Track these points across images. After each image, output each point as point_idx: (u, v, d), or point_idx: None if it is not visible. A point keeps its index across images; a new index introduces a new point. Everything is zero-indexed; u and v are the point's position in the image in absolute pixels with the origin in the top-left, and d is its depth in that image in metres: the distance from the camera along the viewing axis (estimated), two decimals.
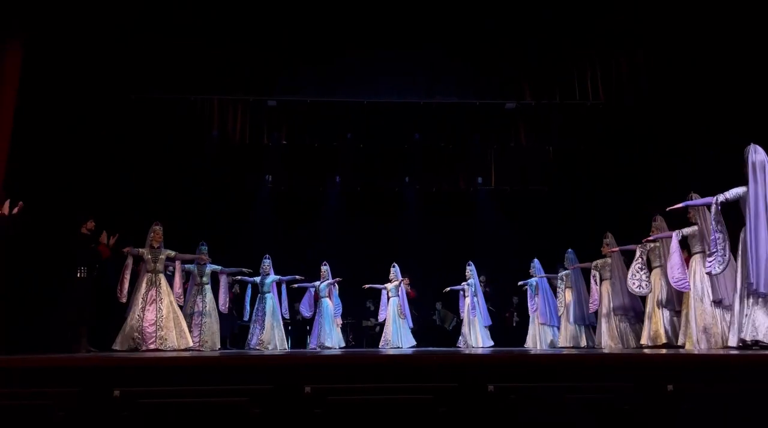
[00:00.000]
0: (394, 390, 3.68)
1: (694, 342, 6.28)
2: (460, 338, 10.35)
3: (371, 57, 7.73)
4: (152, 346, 7.23)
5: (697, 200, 5.97)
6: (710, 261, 5.69)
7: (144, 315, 7.42)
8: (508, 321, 11.18)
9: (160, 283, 7.63)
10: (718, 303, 6.20)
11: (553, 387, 3.72)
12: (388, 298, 10.42)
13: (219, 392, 3.61)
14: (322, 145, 10.79)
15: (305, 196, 12.25)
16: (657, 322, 7.40)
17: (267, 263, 9.63)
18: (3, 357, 4.76)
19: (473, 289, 10.26)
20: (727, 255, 5.59)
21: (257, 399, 3.55)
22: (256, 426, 3.49)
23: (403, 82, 7.87)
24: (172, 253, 7.91)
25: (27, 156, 7.42)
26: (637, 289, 7.50)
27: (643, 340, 7.54)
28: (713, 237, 5.61)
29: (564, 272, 9.49)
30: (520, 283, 10.50)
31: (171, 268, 8.24)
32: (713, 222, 5.61)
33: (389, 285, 10.44)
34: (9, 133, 6.67)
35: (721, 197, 5.60)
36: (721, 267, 5.62)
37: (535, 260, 10.40)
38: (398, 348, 9.85)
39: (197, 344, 8.19)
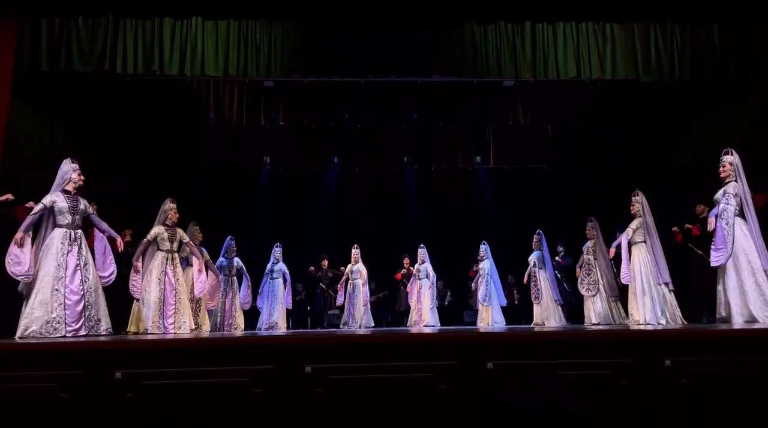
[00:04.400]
0: (395, 368, 3.72)
1: (649, 318, 6.82)
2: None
3: (368, 36, 7.64)
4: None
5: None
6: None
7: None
8: (508, 300, 11.22)
9: None
10: (665, 285, 6.88)
11: (552, 363, 3.75)
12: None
13: (220, 373, 3.64)
14: (319, 126, 10.73)
15: (303, 176, 12.24)
16: (603, 304, 8.42)
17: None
18: (7, 341, 4.79)
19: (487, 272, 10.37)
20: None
21: (258, 379, 3.58)
22: (257, 406, 3.53)
23: (400, 60, 7.78)
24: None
25: (23, 140, 7.41)
26: (586, 293, 8.55)
27: (594, 319, 8.37)
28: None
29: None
30: (475, 268, 10.78)
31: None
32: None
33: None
34: (5, 116, 6.63)
35: (730, 201, 6.18)
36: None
37: (484, 243, 10.49)
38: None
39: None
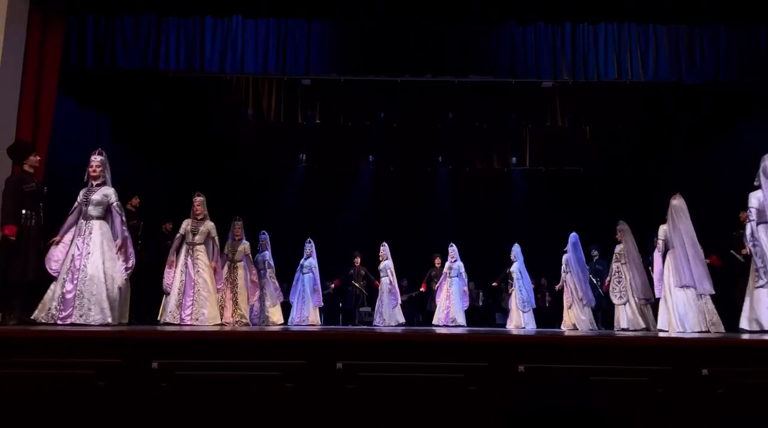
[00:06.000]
0: (425, 368, 3.71)
1: (675, 327, 6.72)
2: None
3: (405, 35, 7.64)
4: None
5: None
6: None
7: None
8: (540, 302, 11.13)
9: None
10: (686, 287, 6.69)
11: (585, 368, 3.70)
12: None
13: (253, 366, 3.68)
14: (355, 124, 10.78)
15: (338, 174, 12.31)
16: (634, 310, 8.40)
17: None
18: (47, 328, 4.94)
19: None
20: None
21: (290, 373, 3.62)
22: (288, 400, 3.57)
23: (436, 60, 7.76)
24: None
25: (68, 135, 7.61)
26: (617, 300, 8.55)
27: (624, 324, 8.34)
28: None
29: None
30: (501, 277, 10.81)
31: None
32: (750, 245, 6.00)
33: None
34: (52, 111, 6.82)
35: (751, 216, 6.06)
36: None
37: (516, 245, 10.40)
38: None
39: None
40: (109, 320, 5.55)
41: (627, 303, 8.39)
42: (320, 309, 10.52)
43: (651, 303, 8.18)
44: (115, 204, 5.95)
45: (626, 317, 8.36)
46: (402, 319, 10.39)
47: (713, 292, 6.70)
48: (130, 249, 6.01)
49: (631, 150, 10.98)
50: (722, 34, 7.47)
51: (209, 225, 7.23)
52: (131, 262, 5.98)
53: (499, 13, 7.62)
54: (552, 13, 7.59)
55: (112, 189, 5.99)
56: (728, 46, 7.47)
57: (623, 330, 8.21)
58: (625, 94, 9.49)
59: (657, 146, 10.64)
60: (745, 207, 7.28)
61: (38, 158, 6.13)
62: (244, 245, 8.24)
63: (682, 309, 6.70)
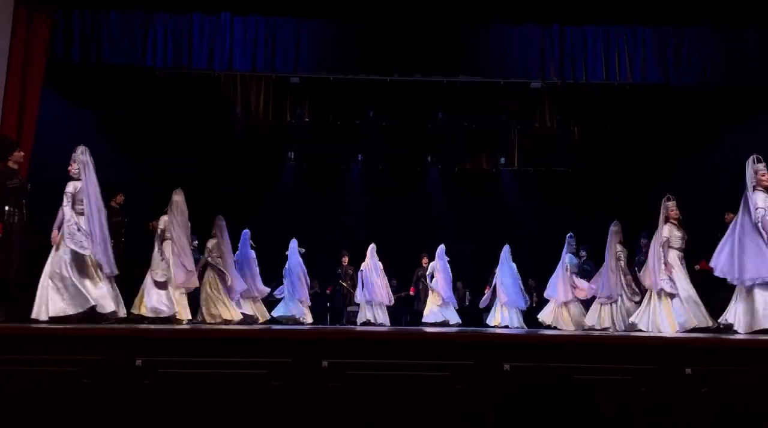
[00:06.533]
0: (411, 366, 3.72)
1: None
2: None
3: (395, 34, 7.64)
4: None
5: None
6: None
7: None
8: (527, 303, 11.17)
9: None
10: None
11: (568, 367, 3.72)
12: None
13: (238, 364, 3.67)
14: (344, 123, 10.76)
15: (327, 173, 12.29)
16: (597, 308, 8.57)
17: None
18: (32, 325, 4.90)
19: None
20: None
21: (276, 371, 3.61)
22: (273, 398, 3.56)
23: (426, 59, 7.77)
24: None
25: (53, 130, 7.55)
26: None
27: (589, 322, 8.55)
28: None
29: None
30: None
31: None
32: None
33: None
34: (37, 106, 6.76)
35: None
36: None
37: (506, 246, 10.55)
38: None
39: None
40: (32, 315, 5.45)
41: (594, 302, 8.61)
42: (309, 308, 10.49)
43: (612, 303, 8.34)
44: (65, 194, 5.83)
45: (591, 315, 8.62)
46: (378, 318, 10.42)
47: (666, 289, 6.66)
48: (67, 233, 5.68)
49: (620, 151, 11.03)
50: (709, 37, 7.54)
51: (161, 220, 7.36)
52: (76, 240, 5.67)
53: (488, 13, 7.64)
54: (541, 14, 7.62)
55: (75, 182, 5.89)
56: (716, 49, 7.54)
57: (589, 329, 8.39)
58: (614, 95, 9.54)
59: (646, 147, 10.70)
60: (731, 208, 7.36)
61: (22, 154, 6.07)
62: (209, 240, 8.23)
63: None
